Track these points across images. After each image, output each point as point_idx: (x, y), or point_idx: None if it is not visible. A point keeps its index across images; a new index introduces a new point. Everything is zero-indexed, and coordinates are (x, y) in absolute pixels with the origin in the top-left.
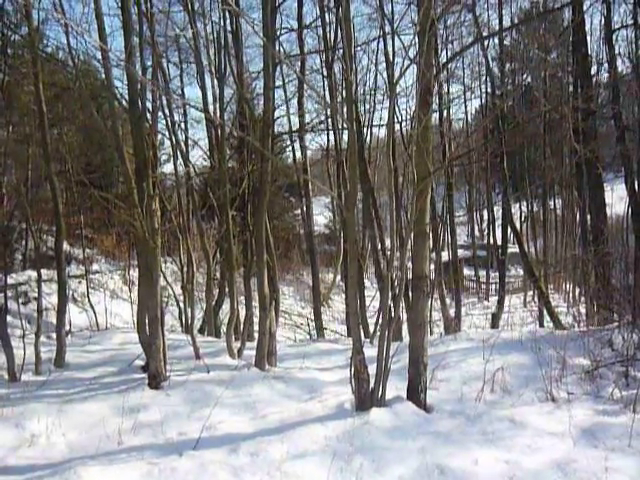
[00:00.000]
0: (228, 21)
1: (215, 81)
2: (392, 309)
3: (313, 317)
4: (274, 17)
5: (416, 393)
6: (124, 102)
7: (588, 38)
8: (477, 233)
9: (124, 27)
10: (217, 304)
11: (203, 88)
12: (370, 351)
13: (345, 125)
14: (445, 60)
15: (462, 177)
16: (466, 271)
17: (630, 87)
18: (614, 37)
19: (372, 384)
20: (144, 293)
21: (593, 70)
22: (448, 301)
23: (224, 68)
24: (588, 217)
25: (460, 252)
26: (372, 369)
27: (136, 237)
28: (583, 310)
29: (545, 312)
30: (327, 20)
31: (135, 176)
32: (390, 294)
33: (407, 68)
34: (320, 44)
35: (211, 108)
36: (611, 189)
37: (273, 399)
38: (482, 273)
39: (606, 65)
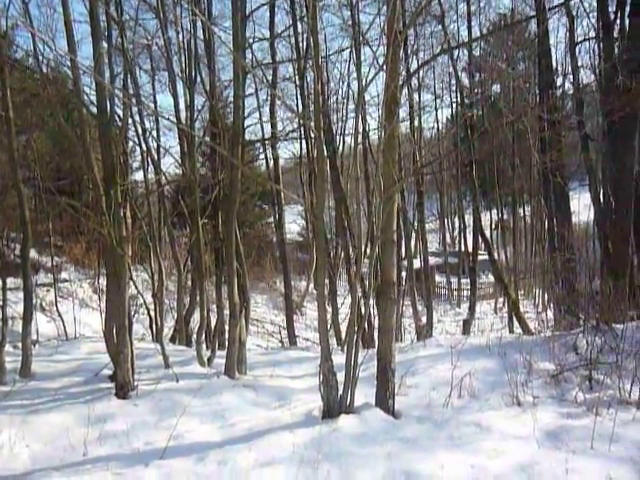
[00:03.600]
0: (200, 29)
1: (187, 89)
2: (360, 316)
3: (285, 325)
4: (244, 26)
5: (384, 399)
6: (93, 109)
7: (553, 50)
8: (449, 240)
9: (93, 34)
10: (188, 313)
11: (175, 96)
12: (341, 358)
13: (317, 133)
14: (412, 70)
15: (433, 185)
16: (438, 278)
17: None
18: (577, 49)
19: (341, 391)
20: (112, 301)
21: (559, 81)
22: (420, 308)
23: (195, 76)
24: (555, 224)
25: (432, 259)
26: (341, 376)
27: (104, 245)
28: (551, 315)
29: (514, 318)
30: (299, 29)
31: (103, 183)
32: (358, 301)
33: (373, 78)
34: (292, 53)
35: (183, 116)
36: (577, 197)
37: (242, 407)
38: (454, 280)
39: (570, 76)
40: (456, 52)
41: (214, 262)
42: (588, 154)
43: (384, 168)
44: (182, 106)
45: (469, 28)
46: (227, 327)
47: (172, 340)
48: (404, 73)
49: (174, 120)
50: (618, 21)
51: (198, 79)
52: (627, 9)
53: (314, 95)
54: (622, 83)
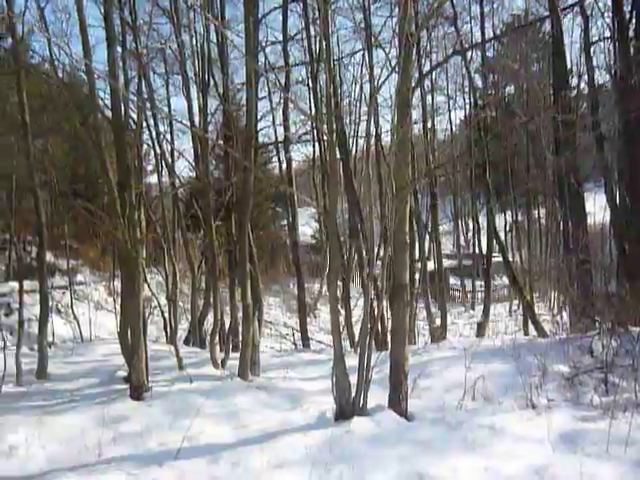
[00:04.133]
0: (213, 33)
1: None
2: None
3: (299, 327)
4: (257, 29)
5: (397, 402)
6: (108, 113)
7: (568, 50)
8: (463, 242)
9: (107, 38)
10: (202, 315)
11: (188, 99)
12: (354, 360)
13: (329, 136)
14: (425, 72)
15: (447, 187)
16: (452, 280)
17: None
18: (592, 49)
19: (354, 393)
20: (126, 304)
21: (574, 82)
22: (434, 310)
23: (208, 79)
24: (569, 226)
25: (446, 261)
26: (354, 379)
27: (119, 248)
28: (566, 318)
29: (529, 320)
30: (312, 32)
31: (118, 187)
32: (370, 304)
33: (385, 80)
34: (305, 56)
35: (197, 119)
36: (593, 198)
37: (255, 409)
38: (468, 282)
39: (585, 77)
40: (469, 54)
41: (228, 265)
42: (603, 155)
43: (396, 170)
44: (196, 109)
45: (482, 29)
46: (240, 329)
47: (186, 342)
48: (416, 75)
49: (187, 123)
50: (634, 20)
51: (211, 82)
52: None
53: (326, 98)
54: (637, 83)
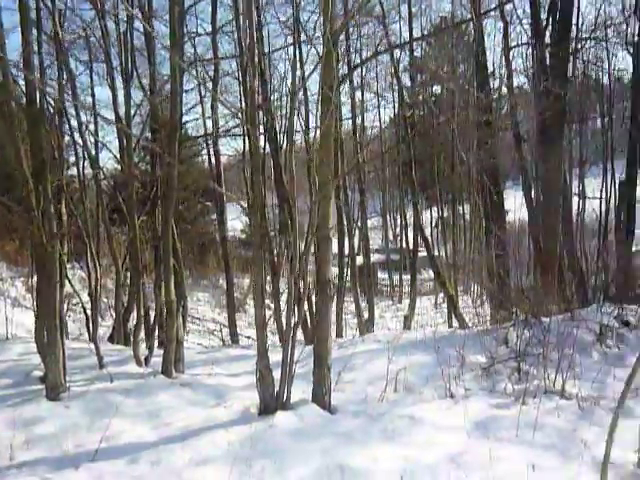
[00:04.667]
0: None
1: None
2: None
3: (227, 323)
4: (183, 20)
5: (321, 395)
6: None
7: (491, 53)
8: (391, 237)
9: (21, 22)
10: (127, 311)
11: (113, 89)
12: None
13: (252, 130)
14: (351, 68)
15: (377, 183)
16: (380, 274)
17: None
18: (513, 53)
19: (277, 388)
20: (42, 300)
21: (497, 83)
22: (362, 304)
23: (131, 69)
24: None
25: (374, 256)
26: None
27: (33, 242)
28: (486, 310)
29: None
30: (242, 24)
31: (33, 179)
32: (295, 298)
33: (309, 76)
34: (235, 49)
35: (123, 110)
36: (513, 196)
37: (178, 406)
38: (396, 276)
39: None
40: (397, 53)
41: (154, 260)
42: (521, 154)
43: (319, 166)
44: (121, 100)
45: (410, 29)
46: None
47: (110, 339)
48: (345, 71)
49: (111, 114)
50: (550, 27)
51: (137, 73)
52: (558, 16)
53: (249, 92)
54: (550, 87)
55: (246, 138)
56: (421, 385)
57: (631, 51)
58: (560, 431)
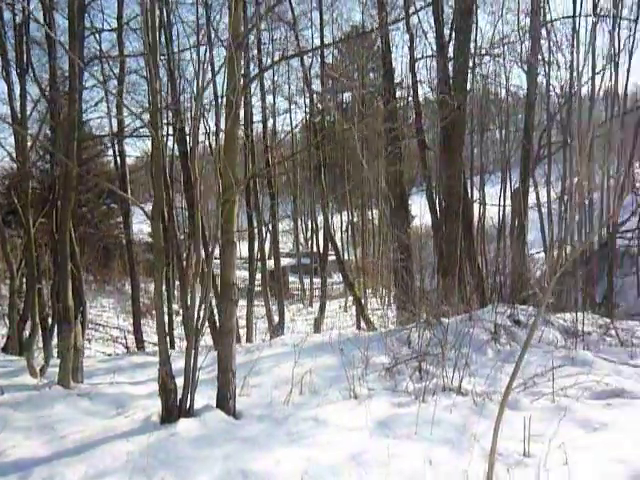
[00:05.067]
0: (41, 12)
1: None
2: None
3: (133, 329)
4: (83, 13)
5: (225, 400)
6: None
7: (400, 63)
8: (302, 241)
9: None
10: (22, 319)
11: (8, 82)
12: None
13: (154, 131)
14: (260, 71)
15: (288, 187)
16: (291, 278)
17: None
18: (419, 64)
19: (180, 395)
20: None
21: (405, 93)
22: (273, 308)
23: (27, 63)
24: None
25: (286, 260)
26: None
27: None
28: (392, 312)
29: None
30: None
31: None
32: (195, 303)
33: (212, 78)
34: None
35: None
36: (419, 202)
37: (75, 418)
38: (307, 280)
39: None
40: (310, 59)
41: (53, 264)
42: (425, 162)
43: (224, 169)
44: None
45: (321, 36)
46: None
47: (4, 349)
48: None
49: (11, 111)
50: (453, 42)
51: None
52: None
53: (152, 93)
54: (450, 98)
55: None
56: (326, 387)
57: (525, 69)
58: (455, 426)
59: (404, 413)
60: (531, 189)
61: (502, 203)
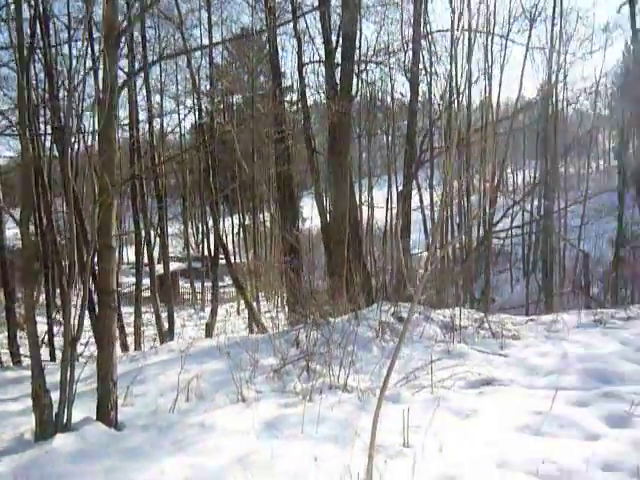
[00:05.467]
0: None
1: None
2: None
3: (7, 343)
4: None
5: (106, 412)
6: None
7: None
8: (193, 245)
9: None
10: None
11: None
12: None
13: (21, 130)
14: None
15: (177, 189)
16: (182, 283)
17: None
18: (306, 69)
19: (57, 409)
20: None
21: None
22: (163, 314)
23: None
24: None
25: (176, 264)
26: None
27: None
28: (284, 314)
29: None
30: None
31: None
32: (71, 312)
33: (85, 76)
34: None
35: None
36: (311, 205)
37: None
38: (198, 284)
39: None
40: (199, 60)
41: None
42: (313, 165)
43: (100, 170)
44: None
45: (210, 37)
46: None
47: None
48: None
49: None
50: (339, 49)
51: None
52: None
53: (18, 90)
54: (336, 104)
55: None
56: (213, 392)
57: (408, 77)
58: (340, 422)
59: (291, 413)
60: (415, 192)
61: (388, 205)
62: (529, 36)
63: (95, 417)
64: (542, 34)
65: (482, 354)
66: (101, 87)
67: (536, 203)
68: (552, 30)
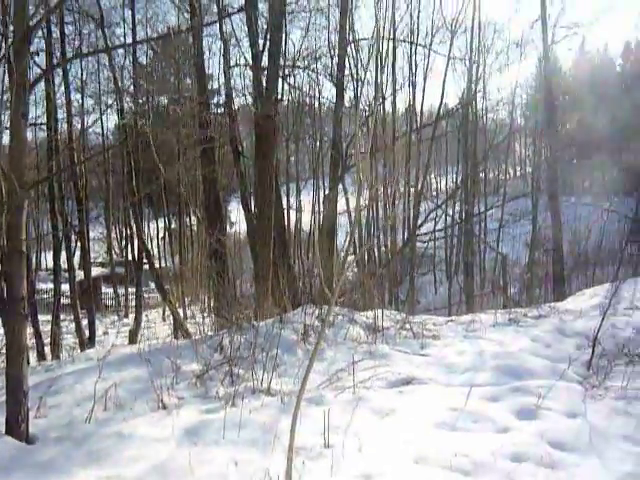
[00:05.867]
0: None
1: None
2: None
3: None
4: None
5: (16, 425)
6: None
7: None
8: (116, 250)
9: None
10: None
11: None
12: None
13: None
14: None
15: (99, 192)
16: (105, 289)
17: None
18: (234, 72)
19: None
20: None
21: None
22: (84, 322)
23: None
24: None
25: (98, 270)
26: None
27: None
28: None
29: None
30: None
31: None
32: None
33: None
34: None
35: None
36: (238, 209)
37: None
38: (122, 290)
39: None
40: (123, 59)
41: None
42: (239, 169)
43: (8, 172)
44: None
45: (134, 35)
46: None
47: None
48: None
49: None
50: (266, 52)
51: None
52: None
53: None
54: (261, 107)
55: None
56: (133, 400)
57: (334, 82)
58: (262, 426)
59: (213, 419)
60: (341, 196)
61: (315, 209)
62: (450, 47)
63: (4, 431)
64: (463, 45)
65: (403, 354)
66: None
67: (458, 208)
68: (471, 42)
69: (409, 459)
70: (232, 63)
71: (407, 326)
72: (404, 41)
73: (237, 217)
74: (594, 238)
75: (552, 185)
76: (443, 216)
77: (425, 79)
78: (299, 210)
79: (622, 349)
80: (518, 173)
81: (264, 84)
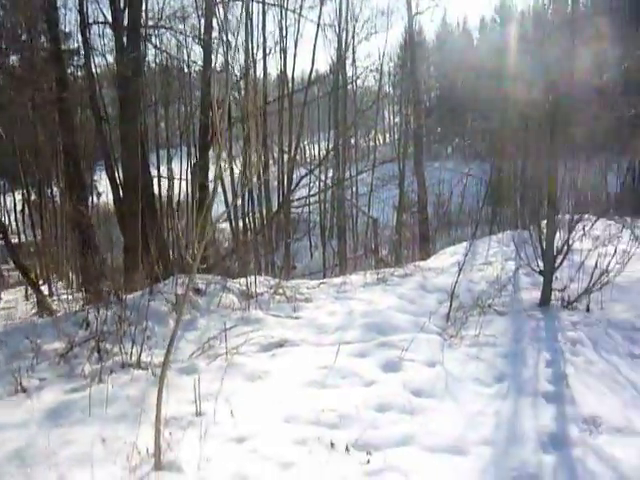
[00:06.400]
0: None
1: None
2: None
3: None
4: None
5: None
6: None
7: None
8: None
9: None
10: None
11: None
12: None
13: None
14: None
15: None
16: None
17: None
18: (92, 31)
19: None
20: None
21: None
22: None
23: None
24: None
25: None
26: None
27: None
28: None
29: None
30: None
31: None
32: None
33: None
34: None
35: None
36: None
37: None
38: None
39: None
40: None
41: None
42: (102, 135)
43: None
44: None
45: None
46: None
47: None
48: None
49: None
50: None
51: None
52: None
53: None
54: (123, 69)
55: None
56: None
57: (202, 45)
58: (132, 400)
59: (79, 398)
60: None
61: (186, 177)
62: (320, 13)
63: None
64: (332, 12)
65: (276, 318)
66: None
67: (330, 173)
68: (340, 9)
69: (280, 419)
70: (90, 21)
71: (281, 291)
72: (274, 5)
73: (106, 187)
74: (455, 200)
75: (417, 151)
76: (316, 182)
77: (296, 44)
78: (170, 178)
79: (476, 301)
80: (387, 140)
81: (125, 43)
